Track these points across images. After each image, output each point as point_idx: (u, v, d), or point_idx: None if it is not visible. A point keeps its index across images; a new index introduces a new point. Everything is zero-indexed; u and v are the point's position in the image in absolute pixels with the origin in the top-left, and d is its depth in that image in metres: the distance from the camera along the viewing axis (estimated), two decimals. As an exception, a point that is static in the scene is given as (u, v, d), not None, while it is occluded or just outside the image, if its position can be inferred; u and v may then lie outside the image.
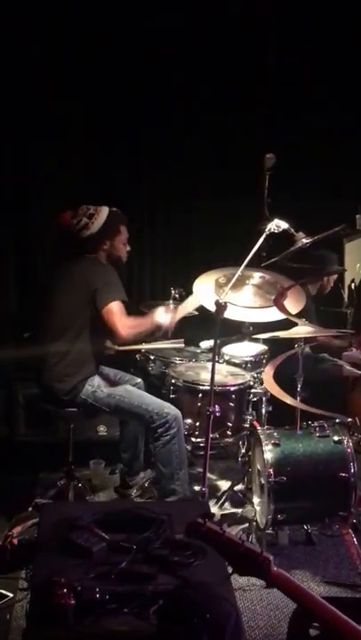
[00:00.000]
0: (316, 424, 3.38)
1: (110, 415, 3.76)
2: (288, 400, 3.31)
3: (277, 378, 3.38)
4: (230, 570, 1.85)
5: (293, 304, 3.54)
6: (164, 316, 3.55)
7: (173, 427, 3.41)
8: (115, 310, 3.40)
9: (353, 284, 4.86)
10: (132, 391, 3.56)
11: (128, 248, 3.68)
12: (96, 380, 3.50)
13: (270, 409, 3.71)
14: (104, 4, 4.45)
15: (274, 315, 3.49)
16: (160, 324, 3.54)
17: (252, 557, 1.80)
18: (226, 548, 1.81)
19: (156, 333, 3.64)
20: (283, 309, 3.37)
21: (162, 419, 3.41)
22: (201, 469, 3.27)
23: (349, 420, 3.35)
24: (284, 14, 4.69)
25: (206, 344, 4.07)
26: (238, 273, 3.31)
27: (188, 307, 3.63)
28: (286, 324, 3.52)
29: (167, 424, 3.40)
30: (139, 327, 3.50)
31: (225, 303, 3.19)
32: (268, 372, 3.39)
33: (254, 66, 4.77)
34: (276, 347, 3.76)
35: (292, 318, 3.41)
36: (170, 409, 3.44)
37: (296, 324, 3.45)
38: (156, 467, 3.53)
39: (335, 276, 4.41)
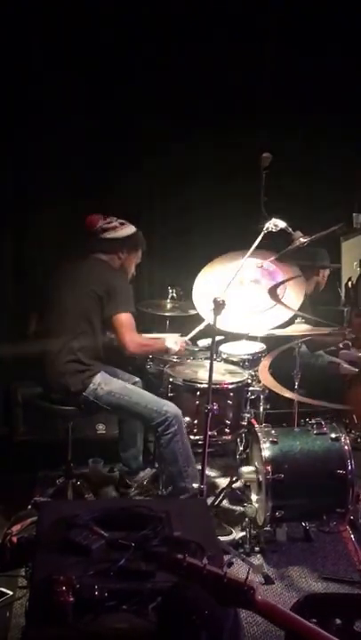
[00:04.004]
0: (313, 421, 3.39)
1: (110, 413, 3.78)
2: (285, 393, 3.32)
3: (275, 375, 3.40)
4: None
5: (292, 300, 3.56)
6: (174, 343, 3.67)
7: (173, 424, 3.42)
8: (124, 323, 3.46)
9: (350, 282, 4.87)
10: (132, 389, 3.57)
11: (134, 272, 3.77)
12: (97, 378, 3.51)
13: (268, 407, 3.73)
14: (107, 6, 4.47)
15: (272, 320, 3.51)
16: (169, 349, 3.67)
17: (236, 588, 1.74)
18: (208, 582, 1.76)
19: (165, 355, 3.80)
20: (277, 300, 3.39)
21: (161, 417, 3.42)
22: (199, 467, 3.28)
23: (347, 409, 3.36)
24: (283, 15, 4.70)
25: (204, 342, 4.07)
26: (236, 273, 3.32)
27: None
28: (284, 323, 3.55)
29: (167, 422, 3.42)
30: (147, 347, 3.67)
31: (223, 301, 3.20)
32: (263, 365, 3.40)
33: (254, 65, 4.78)
34: (273, 345, 3.77)
35: (288, 309, 3.42)
36: (169, 407, 3.46)
37: (292, 322, 3.47)
38: (164, 467, 3.55)
39: (328, 272, 4.42)
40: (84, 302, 3.49)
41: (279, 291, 3.54)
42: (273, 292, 3.44)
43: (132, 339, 3.48)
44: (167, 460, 3.47)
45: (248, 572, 1.77)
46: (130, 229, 3.66)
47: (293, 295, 3.61)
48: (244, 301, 3.62)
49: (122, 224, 3.65)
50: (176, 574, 1.80)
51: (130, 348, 3.49)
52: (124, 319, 3.46)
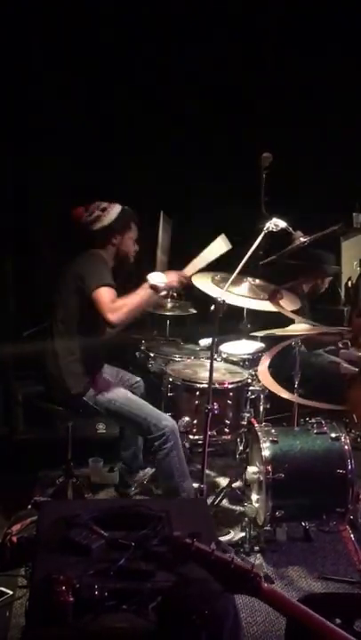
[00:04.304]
0: (313, 421, 3.40)
1: (109, 420, 3.77)
2: (282, 393, 3.33)
3: (274, 375, 3.40)
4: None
5: (289, 306, 3.56)
6: (158, 276, 3.37)
7: (170, 440, 3.40)
8: (101, 296, 3.26)
9: (350, 282, 4.88)
10: (133, 399, 3.55)
11: (136, 247, 3.65)
12: (99, 384, 3.51)
13: (268, 406, 3.73)
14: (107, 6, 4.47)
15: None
16: (156, 285, 3.34)
17: (243, 575, 1.77)
18: (215, 568, 1.79)
19: (158, 297, 3.52)
20: (278, 307, 3.39)
21: (159, 431, 3.40)
22: (199, 466, 3.28)
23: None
24: (283, 15, 4.70)
25: (205, 342, 4.08)
26: (236, 272, 3.32)
27: (212, 253, 3.47)
28: (283, 322, 3.55)
29: (164, 437, 3.39)
30: (126, 305, 3.27)
31: (223, 302, 3.20)
32: (262, 364, 3.40)
33: (254, 65, 4.78)
34: (273, 344, 3.77)
35: (289, 314, 3.43)
36: (167, 421, 3.43)
37: (293, 322, 3.47)
38: (161, 481, 3.56)
39: (330, 278, 4.43)
40: (75, 302, 3.44)
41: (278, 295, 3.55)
42: (273, 297, 3.44)
43: (111, 308, 3.24)
44: (163, 474, 3.46)
45: (253, 562, 1.80)
46: (114, 212, 3.52)
47: (289, 304, 3.62)
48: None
49: (104, 210, 3.51)
50: (184, 559, 1.81)
51: (113, 320, 3.23)
52: (101, 293, 3.26)
